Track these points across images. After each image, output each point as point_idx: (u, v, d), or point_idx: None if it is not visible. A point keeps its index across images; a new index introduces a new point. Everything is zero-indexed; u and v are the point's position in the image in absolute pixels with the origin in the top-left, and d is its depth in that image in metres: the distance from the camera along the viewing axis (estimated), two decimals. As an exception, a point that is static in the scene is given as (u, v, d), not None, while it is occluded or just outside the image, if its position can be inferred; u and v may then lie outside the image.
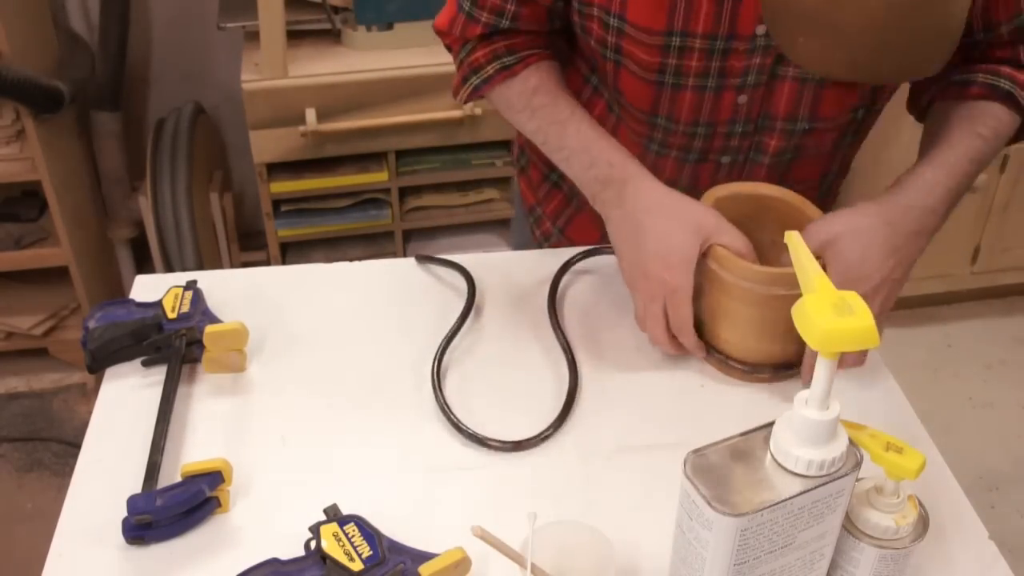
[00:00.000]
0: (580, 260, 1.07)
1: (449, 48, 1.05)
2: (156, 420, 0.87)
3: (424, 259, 1.09)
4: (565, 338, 0.98)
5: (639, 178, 0.94)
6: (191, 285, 0.99)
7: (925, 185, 0.91)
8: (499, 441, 0.87)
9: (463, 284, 1.04)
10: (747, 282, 0.88)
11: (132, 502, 0.77)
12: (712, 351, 0.95)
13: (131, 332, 0.94)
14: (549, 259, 1.09)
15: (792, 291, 0.81)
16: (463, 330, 0.99)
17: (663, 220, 0.90)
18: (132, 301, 0.99)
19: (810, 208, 0.94)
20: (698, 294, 0.91)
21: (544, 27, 1.00)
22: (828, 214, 0.91)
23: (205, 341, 0.92)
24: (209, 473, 0.79)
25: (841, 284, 0.78)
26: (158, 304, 0.97)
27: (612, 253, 0.99)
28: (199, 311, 0.96)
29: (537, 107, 1.00)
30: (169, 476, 0.83)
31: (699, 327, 0.93)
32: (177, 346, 0.93)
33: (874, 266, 0.87)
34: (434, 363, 0.94)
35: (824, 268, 0.86)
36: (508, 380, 0.95)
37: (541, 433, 0.87)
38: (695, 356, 0.95)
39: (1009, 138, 0.97)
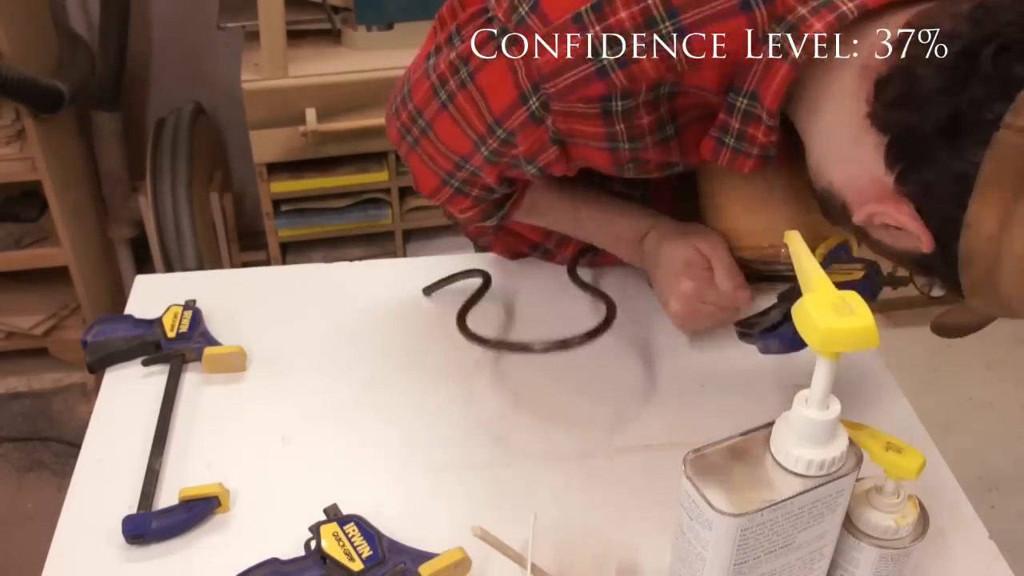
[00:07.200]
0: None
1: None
2: (156, 428, 0.87)
3: (432, 288, 1.05)
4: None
5: (655, 229, 0.94)
6: (190, 305, 0.99)
7: None
8: (544, 342, 0.89)
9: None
10: None
11: (128, 523, 0.77)
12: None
13: (129, 350, 0.95)
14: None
15: None
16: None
17: (679, 233, 0.91)
18: (131, 317, 0.99)
19: None
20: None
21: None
22: None
23: (204, 364, 0.93)
24: (207, 498, 0.80)
25: None
26: (157, 322, 0.97)
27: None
28: (198, 332, 0.96)
29: (543, 211, 0.97)
30: (169, 478, 0.84)
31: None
32: (175, 367, 0.94)
33: None
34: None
35: None
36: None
37: (588, 332, 0.90)
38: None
39: None
